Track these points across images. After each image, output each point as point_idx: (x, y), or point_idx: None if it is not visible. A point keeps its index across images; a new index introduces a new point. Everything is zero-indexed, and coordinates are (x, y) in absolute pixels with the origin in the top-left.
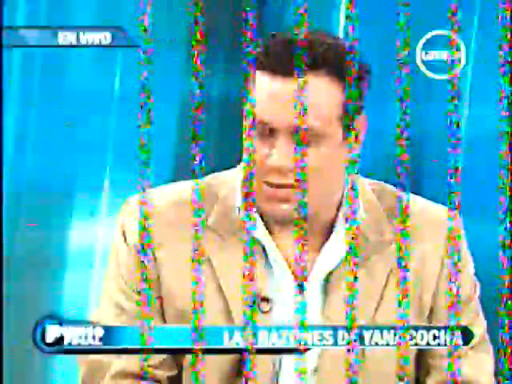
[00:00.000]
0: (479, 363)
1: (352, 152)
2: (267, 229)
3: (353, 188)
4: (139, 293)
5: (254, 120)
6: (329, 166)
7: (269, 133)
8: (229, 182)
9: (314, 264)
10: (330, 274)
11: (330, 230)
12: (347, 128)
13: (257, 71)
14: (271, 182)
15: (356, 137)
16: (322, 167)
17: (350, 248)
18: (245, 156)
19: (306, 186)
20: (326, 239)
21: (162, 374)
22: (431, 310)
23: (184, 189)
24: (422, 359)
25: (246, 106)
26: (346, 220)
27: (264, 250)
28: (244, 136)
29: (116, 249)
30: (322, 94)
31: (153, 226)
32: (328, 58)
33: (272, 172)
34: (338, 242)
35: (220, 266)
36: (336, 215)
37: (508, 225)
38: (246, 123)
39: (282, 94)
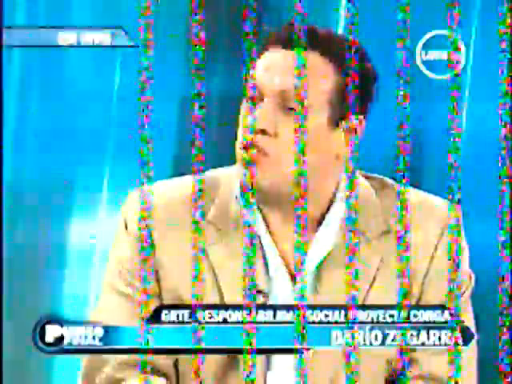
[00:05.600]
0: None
1: (342, 149)
2: (264, 222)
3: (349, 182)
4: (139, 281)
5: (250, 86)
6: (309, 142)
7: (257, 99)
8: (229, 175)
9: (306, 256)
10: (320, 264)
11: (320, 224)
12: (337, 117)
13: (264, 51)
14: (242, 141)
15: (348, 135)
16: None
17: (341, 240)
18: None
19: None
20: (317, 231)
21: (163, 363)
22: (418, 301)
23: (185, 183)
24: (405, 352)
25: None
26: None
27: (261, 243)
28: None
29: (117, 239)
30: (315, 69)
31: (153, 218)
32: (327, 41)
33: (245, 131)
34: (328, 234)
35: (217, 259)
36: (328, 209)
37: (508, 223)
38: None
39: (278, 62)
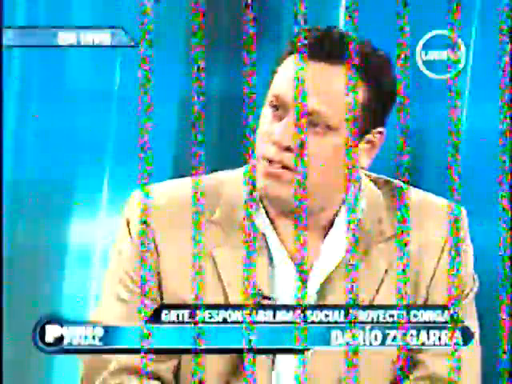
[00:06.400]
0: (462, 363)
1: (360, 163)
2: (272, 224)
3: (356, 187)
4: (140, 285)
5: (271, 94)
6: (329, 160)
7: (281, 109)
8: (234, 178)
9: (315, 264)
10: (330, 273)
11: (330, 228)
12: (361, 132)
13: (290, 55)
14: (267, 155)
15: (368, 148)
16: (322, 158)
17: (351, 244)
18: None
19: (301, 170)
20: (326, 237)
21: (159, 366)
22: (425, 302)
23: (188, 184)
24: (410, 353)
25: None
26: (348, 213)
27: (267, 245)
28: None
29: (119, 240)
30: (343, 86)
31: (156, 219)
32: (358, 57)
33: (271, 146)
34: (338, 241)
35: (222, 261)
36: (337, 213)
37: (508, 223)
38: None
39: (308, 77)
